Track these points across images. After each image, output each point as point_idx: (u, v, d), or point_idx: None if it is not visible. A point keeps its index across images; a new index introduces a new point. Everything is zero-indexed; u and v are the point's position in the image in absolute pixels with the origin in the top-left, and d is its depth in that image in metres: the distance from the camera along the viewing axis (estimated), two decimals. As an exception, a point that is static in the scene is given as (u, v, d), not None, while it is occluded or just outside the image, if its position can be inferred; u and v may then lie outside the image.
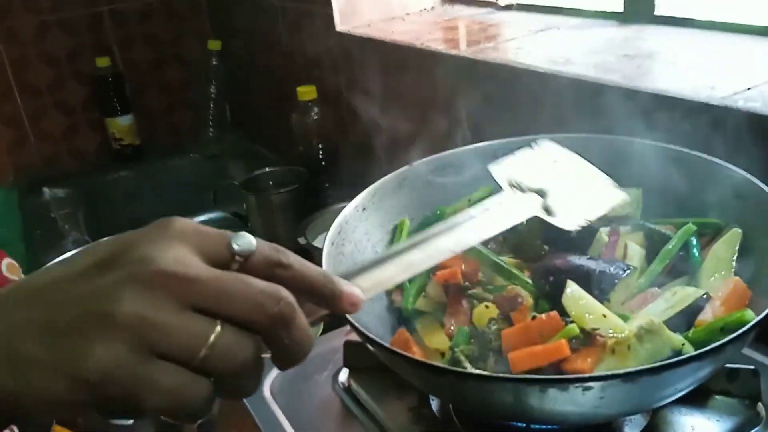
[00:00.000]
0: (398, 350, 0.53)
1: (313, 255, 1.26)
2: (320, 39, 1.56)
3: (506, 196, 0.59)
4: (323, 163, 1.52)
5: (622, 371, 0.47)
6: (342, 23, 1.48)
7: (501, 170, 0.63)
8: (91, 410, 0.36)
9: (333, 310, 0.40)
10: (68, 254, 0.38)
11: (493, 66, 1.10)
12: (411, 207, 0.76)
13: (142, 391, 0.34)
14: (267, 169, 1.51)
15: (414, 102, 1.33)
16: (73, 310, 0.35)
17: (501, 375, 0.50)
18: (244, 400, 0.69)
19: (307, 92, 1.49)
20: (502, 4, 1.46)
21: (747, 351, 0.68)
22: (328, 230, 1.33)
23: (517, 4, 1.45)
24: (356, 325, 0.54)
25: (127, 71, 2.06)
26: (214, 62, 2.04)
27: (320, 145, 1.52)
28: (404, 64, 1.32)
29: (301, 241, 1.27)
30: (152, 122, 2.13)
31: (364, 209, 0.72)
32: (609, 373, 0.48)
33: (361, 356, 0.67)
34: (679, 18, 1.13)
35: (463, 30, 1.40)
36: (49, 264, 0.41)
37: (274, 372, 0.72)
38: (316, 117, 1.50)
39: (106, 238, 0.42)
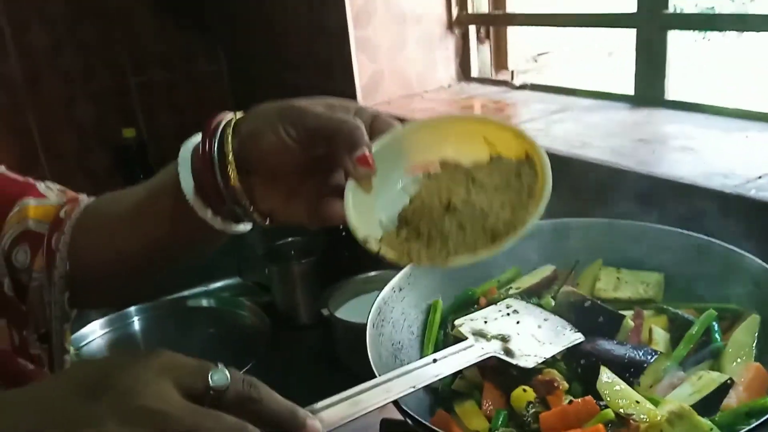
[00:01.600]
0: (443, 432, 0.57)
1: (335, 325, 1.29)
2: (342, 114, 1.63)
3: (468, 342, 0.65)
4: (344, 233, 1.56)
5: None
6: (364, 100, 1.55)
7: (467, 323, 0.70)
8: None
9: None
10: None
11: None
12: (444, 287, 0.80)
13: None
14: (289, 239, 1.55)
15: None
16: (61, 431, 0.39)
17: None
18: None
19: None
20: (517, 84, 1.54)
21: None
22: (349, 300, 1.38)
23: (531, 84, 1.52)
24: (402, 406, 0.58)
25: (151, 140, 2.13)
26: (235, 131, 2.11)
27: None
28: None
29: (324, 312, 1.30)
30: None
31: (400, 290, 0.76)
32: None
33: (399, 434, 0.69)
34: (689, 103, 1.20)
35: (479, 109, 1.47)
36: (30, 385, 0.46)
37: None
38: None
39: (89, 360, 0.46)
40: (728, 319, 0.70)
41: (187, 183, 0.56)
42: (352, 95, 1.55)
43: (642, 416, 0.56)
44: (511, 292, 0.78)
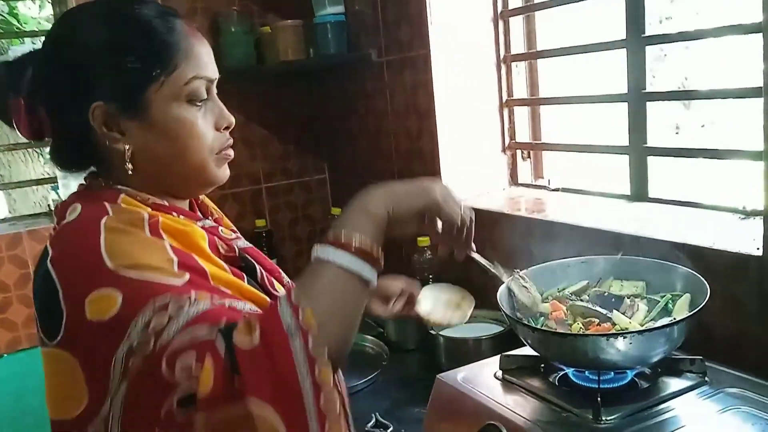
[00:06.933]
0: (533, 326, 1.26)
1: (438, 340, 1.96)
2: (430, 208, 2.36)
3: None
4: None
5: (639, 329, 1.20)
6: (448, 198, 2.29)
7: None
8: (422, 218, 1.01)
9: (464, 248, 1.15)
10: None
11: (544, 223, 1.89)
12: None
13: (444, 207, 1.01)
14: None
15: (503, 249, 2.09)
16: (419, 187, 1.01)
17: (588, 333, 1.22)
18: None
19: (424, 240, 2.26)
20: (552, 188, 2.28)
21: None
22: (445, 328, 2.05)
23: (562, 188, 2.26)
24: (506, 311, 1.27)
25: (274, 228, 2.88)
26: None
27: (430, 276, 2.27)
28: (493, 223, 2.11)
29: (432, 332, 1.98)
30: (284, 266, 2.91)
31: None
32: (631, 330, 1.21)
33: None
34: (662, 198, 1.93)
35: (525, 204, 2.20)
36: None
37: None
38: (429, 256, 2.26)
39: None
40: (676, 298, 1.40)
41: None
42: (439, 195, 2.29)
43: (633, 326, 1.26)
44: (565, 292, 1.48)
